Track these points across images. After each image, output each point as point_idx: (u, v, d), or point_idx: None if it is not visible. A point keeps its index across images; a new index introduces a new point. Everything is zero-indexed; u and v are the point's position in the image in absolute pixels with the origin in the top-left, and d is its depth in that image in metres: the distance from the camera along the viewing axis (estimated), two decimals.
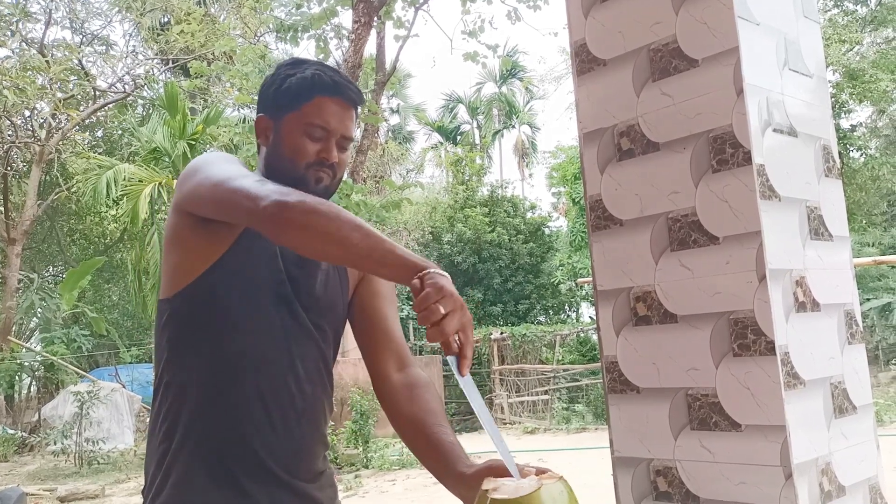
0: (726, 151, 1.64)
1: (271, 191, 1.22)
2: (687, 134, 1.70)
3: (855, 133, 20.36)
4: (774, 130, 1.68)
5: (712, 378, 1.63)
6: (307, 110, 1.43)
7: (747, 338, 1.58)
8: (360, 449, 10.45)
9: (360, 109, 1.52)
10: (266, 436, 1.37)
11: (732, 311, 1.61)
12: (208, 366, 1.37)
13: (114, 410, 13.01)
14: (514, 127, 33.04)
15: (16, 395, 17.26)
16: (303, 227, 1.20)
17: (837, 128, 18.33)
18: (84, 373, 14.28)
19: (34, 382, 17.36)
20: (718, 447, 1.62)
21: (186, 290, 1.39)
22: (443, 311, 1.11)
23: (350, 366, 11.41)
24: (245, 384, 1.37)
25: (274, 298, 1.40)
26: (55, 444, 11.92)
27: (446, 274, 1.17)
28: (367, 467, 10.27)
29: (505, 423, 14.75)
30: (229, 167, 1.34)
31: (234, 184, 1.27)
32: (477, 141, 31.67)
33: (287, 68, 1.48)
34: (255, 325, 1.39)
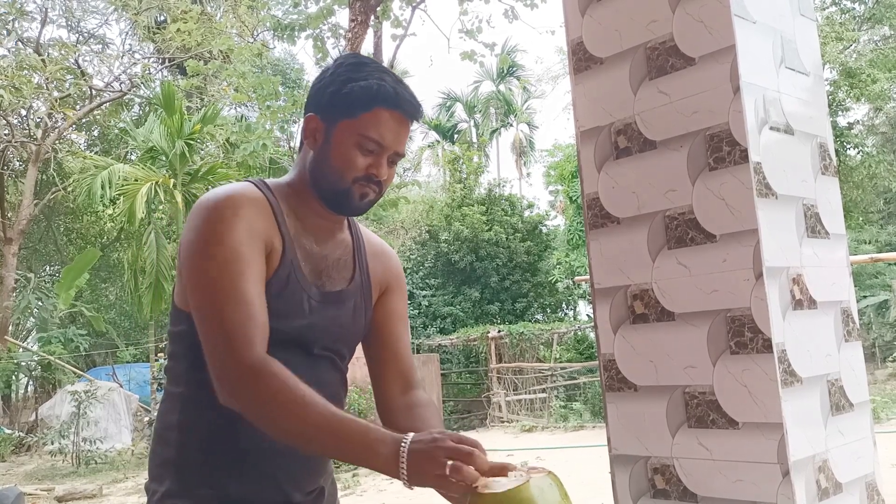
0: (723, 149, 1.64)
1: (236, 363, 1.23)
2: (684, 132, 1.70)
3: (852, 131, 20.40)
4: (771, 128, 1.68)
5: (709, 376, 1.63)
6: (364, 121, 1.34)
7: (744, 335, 1.58)
8: None
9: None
10: (287, 461, 1.36)
11: (729, 309, 1.61)
12: None
13: (111, 410, 13.01)
14: (511, 125, 33.04)
15: (13, 395, 17.24)
16: (262, 417, 1.24)
17: (834, 125, 18.37)
18: (81, 372, 14.28)
19: (31, 382, 17.37)
20: (716, 445, 1.62)
21: None
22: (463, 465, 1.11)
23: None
24: None
25: (298, 341, 1.37)
26: (52, 443, 11.92)
27: (409, 437, 1.15)
28: None
29: (503, 422, 14.76)
30: (220, 293, 1.26)
31: (222, 331, 1.25)
32: (474, 139, 31.67)
33: (349, 70, 1.38)
34: (281, 356, 1.33)
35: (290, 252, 1.36)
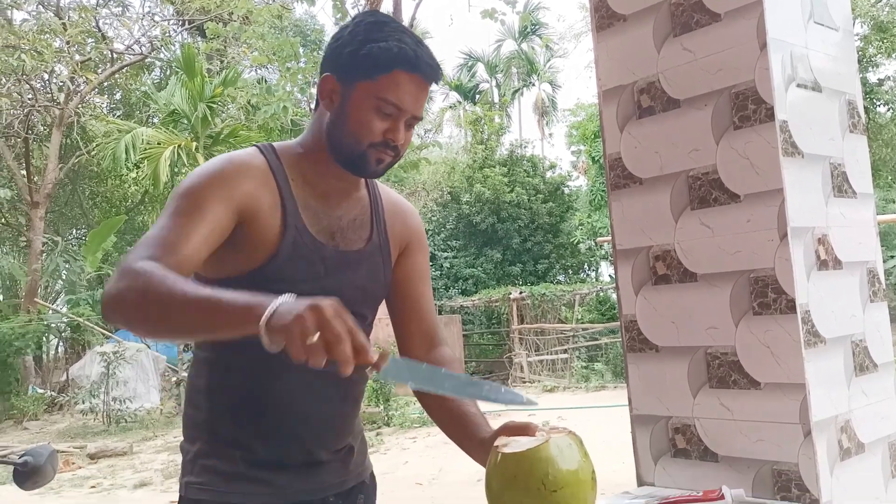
0: (748, 108, 1.61)
1: (107, 285, 1.17)
2: (708, 90, 1.67)
3: (882, 87, 19.91)
4: (798, 86, 1.65)
5: (732, 336, 1.63)
6: (382, 83, 1.31)
7: (768, 296, 1.57)
8: (381, 407, 10.61)
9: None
10: (312, 421, 1.38)
11: (753, 270, 1.60)
12: (258, 352, 1.34)
13: (139, 370, 13.27)
14: (533, 85, 32.68)
15: (44, 356, 17.62)
16: (127, 324, 1.18)
17: (864, 82, 17.92)
18: (109, 333, 14.53)
19: (61, 343, 17.72)
20: (737, 405, 1.63)
21: (228, 281, 1.31)
22: (321, 344, 1.01)
23: None
24: (295, 372, 1.32)
25: None
26: (83, 403, 12.21)
27: (283, 298, 1.05)
28: (388, 425, 10.44)
29: (524, 382, 14.87)
30: (153, 227, 1.27)
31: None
32: (496, 100, 31.39)
33: (368, 29, 1.34)
34: None
35: (294, 217, 1.35)
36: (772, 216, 1.57)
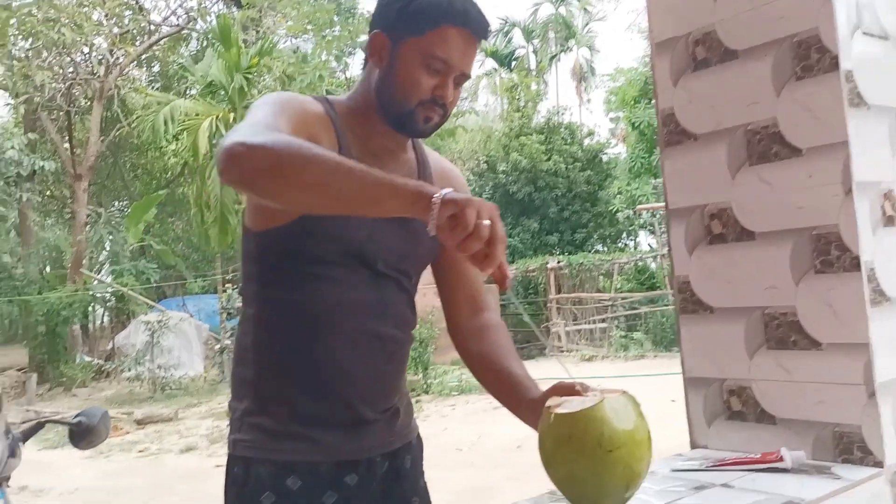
0: (811, 57, 1.54)
1: (232, 139, 1.10)
2: (768, 39, 1.60)
3: None
4: (864, 34, 1.57)
5: (792, 296, 1.57)
6: (431, 39, 1.30)
7: (831, 254, 1.51)
8: (420, 375, 10.68)
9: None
10: (356, 380, 1.37)
11: (815, 227, 1.54)
12: (304, 309, 1.35)
13: (183, 339, 13.55)
14: (571, 50, 32.18)
15: (90, 325, 18.08)
16: (265, 175, 1.09)
17: None
18: (153, 303, 14.84)
19: (107, 313, 18.16)
20: (796, 366, 1.58)
21: (275, 232, 1.34)
22: (487, 233, 1.06)
23: None
24: (340, 331, 1.35)
25: (361, 254, 1.35)
26: (129, 370, 12.53)
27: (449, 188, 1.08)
28: (427, 392, 10.52)
29: (562, 351, 14.85)
30: (250, 118, 1.22)
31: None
32: (532, 66, 31.00)
33: None
34: (346, 275, 1.35)
35: None
36: (835, 170, 1.50)
